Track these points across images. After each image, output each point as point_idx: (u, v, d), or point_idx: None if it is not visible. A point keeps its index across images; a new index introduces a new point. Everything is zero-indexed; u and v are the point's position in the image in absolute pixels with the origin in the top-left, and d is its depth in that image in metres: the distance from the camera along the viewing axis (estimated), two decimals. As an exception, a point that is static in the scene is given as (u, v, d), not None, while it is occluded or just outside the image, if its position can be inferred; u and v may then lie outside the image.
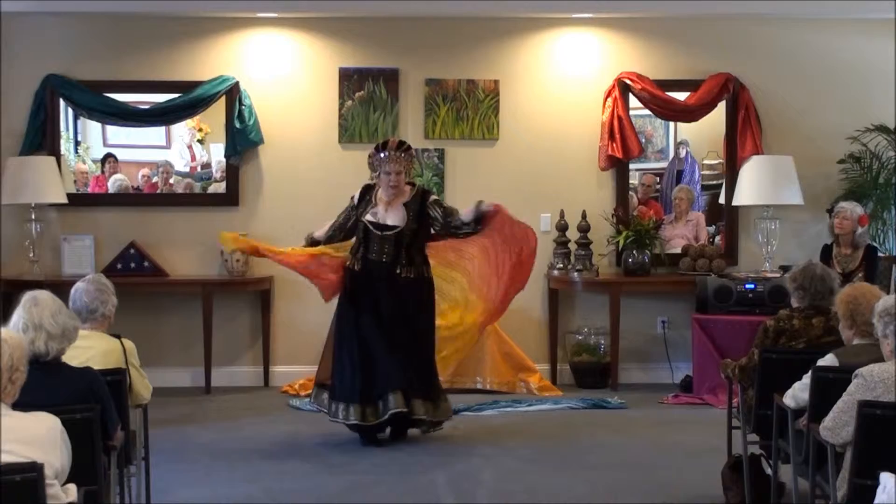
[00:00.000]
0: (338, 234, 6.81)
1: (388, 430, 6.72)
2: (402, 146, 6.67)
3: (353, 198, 6.79)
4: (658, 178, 9.10)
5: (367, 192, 6.74)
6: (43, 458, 3.32)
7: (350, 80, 8.60)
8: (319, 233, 6.86)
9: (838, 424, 4.17)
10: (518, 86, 8.68)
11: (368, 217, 6.62)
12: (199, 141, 9.07)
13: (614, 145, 8.55)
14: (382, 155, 6.61)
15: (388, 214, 6.61)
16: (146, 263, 8.40)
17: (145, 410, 5.16)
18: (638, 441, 6.84)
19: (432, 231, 6.73)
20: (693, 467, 6.15)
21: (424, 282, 6.71)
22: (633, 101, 8.66)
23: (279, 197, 8.66)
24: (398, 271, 6.58)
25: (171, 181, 8.92)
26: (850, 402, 4.10)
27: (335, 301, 6.75)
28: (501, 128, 8.67)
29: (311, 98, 8.66)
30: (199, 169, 9.11)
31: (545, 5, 8.35)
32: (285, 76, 8.65)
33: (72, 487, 3.54)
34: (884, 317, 4.15)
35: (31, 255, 8.28)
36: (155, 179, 8.96)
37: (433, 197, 6.78)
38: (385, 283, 6.59)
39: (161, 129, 9.00)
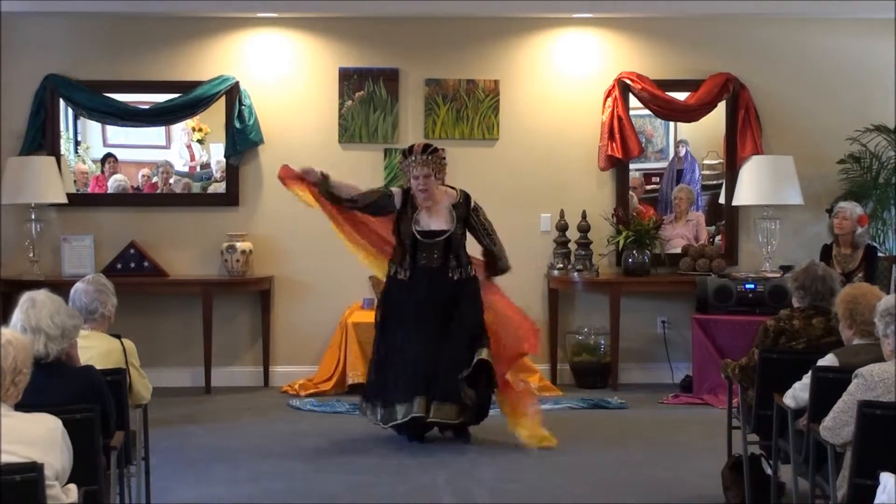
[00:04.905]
0: (360, 208, 6.76)
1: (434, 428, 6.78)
2: (428, 149, 6.72)
3: (393, 194, 6.73)
4: (644, 179, 9.07)
5: (408, 198, 6.72)
6: (43, 459, 3.32)
7: (350, 80, 8.60)
8: (344, 191, 6.73)
9: (838, 424, 4.17)
10: (518, 86, 8.68)
11: (418, 227, 6.63)
12: (198, 141, 9.06)
13: (614, 145, 8.54)
14: (410, 159, 6.67)
15: (433, 220, 6.67)
16: (146, 263, 8.40)
17: (145, 410, 5.16)
18: (638, 441, 6.84)
19: (477, 240, 6.83)
20: (693, 467, 6.14)
21: (472, 279, 6.77)
22: (633, 101, 8.66)
23: (279, 197, 8.60)
24: (449, 274, 6.65)
25: (171, 181, 8.92)
26: (850, 402, 4.10)
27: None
28: (501, 128, 8.67)
29: (311, 98, 8.66)
30: (198, 169, 9.11)
31: (545, 5, 8.35)
32: (285, 76, 8.65)
33: (72, 488, 3.54)
34: (885, 316, 4.16)
35: (31, 255, 8.28)
36: (155, 179, 8.96)
37: (475, 203, 6.80)
38: (437, 285, 6.63)
39: (161, 129, 9.00)
